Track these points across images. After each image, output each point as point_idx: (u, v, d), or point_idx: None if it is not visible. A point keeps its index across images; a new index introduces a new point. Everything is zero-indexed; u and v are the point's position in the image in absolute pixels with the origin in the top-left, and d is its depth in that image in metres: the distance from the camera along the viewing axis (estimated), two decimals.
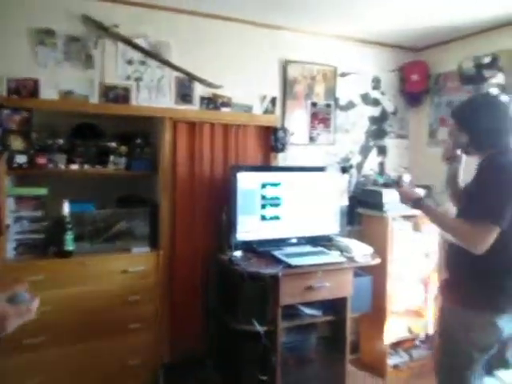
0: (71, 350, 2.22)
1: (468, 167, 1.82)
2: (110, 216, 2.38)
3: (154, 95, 2.46)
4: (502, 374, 1.58)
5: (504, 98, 1.73)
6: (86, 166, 2.33)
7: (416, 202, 1.76)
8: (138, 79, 2.42)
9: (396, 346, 2.93)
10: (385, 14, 2.57)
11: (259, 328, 2.24)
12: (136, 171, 2.44)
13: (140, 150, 2.46)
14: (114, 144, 2.40)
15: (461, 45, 2.97)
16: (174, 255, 2.55)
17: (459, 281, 1.67)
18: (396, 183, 1.94)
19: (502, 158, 1.59)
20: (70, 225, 2.20)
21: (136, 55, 2.41)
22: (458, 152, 1.80)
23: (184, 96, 2.54)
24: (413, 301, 2.95)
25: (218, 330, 2.56)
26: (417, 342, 3.02)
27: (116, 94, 2.37)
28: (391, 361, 2.86)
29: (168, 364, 2.50)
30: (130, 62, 2.40)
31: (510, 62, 2.56)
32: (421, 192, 1.77)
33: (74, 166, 2.30)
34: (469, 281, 1.61)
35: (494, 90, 2.66)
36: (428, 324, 2.96)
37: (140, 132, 2.53)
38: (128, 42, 2.38)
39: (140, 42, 2.41)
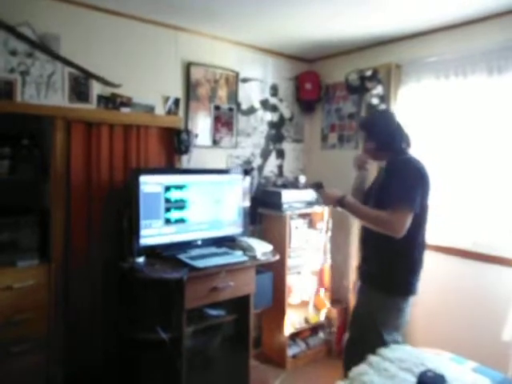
0: None
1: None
2: None
3: (43, 92, 2.24)
4: (382, 351, 1.80)
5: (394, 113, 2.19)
6: None
7: (340, 201, 1.94)
8: (23, 73, 2.18)
9: (294, 336, 3.14)
10: (279, 26, 2.73)
11: (164, 335, 2.21)
12: (22, 176, 2.20)
13: (27, 152, 2.22)
14: None
15: (347, 58, 3.29)
16: (70, 267, 2.37)
17: (378, 270, 1.94)
18: (318, 187, 2.12)
19: (403, 156, 1.95)
20: None
21: (21, 46, 2.17)
22: (367, 159, 2.14)
23: (79, 94, 2.36)
24: (308, 292, 3.21)
25: (120, 342, 2.45)
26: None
27: None
28: (290, 351, 3.06)
29: None
30: (13, 53, 2.15)
31: (387, 76, 2.91)
32: (339, 192, 1.98)
33: None
34: (387, 270, 1.90)
35: (374, 100, 3.00)
36: (321, 313, 3.25)
37: (27, 132, 2.28)
38: (10, 29, 2.13)
39: (25, 31, 2.17)
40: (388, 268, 1.90)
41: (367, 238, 2.04)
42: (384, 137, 1.99)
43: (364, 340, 1.93)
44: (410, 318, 2.55)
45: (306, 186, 3.21)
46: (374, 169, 2.37)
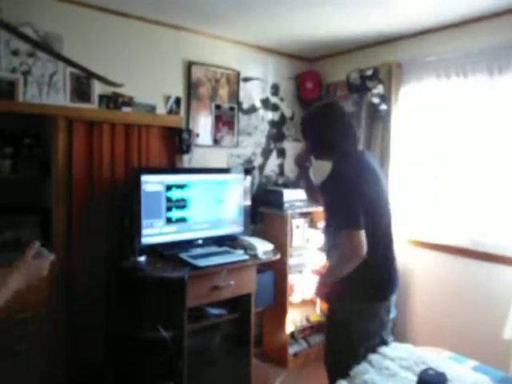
0: None
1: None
2: None
3: (45, 91, 2.24)
4: (383, 350, 1.81)
5: (340, 107, 1.91)
6: None
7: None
8: (25, 73, 2.18)
9: (295, 334, 3.14)
10: (280, 26, 2.73)
11: (165, 334, 2.22)
12: (24, 175, 2.21)
13: (29, 151, 2.23)
14: None
15: (348, 58, 3.28)
16: (71, 265, 2.38)
17: (347, 279, 1.75)
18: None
19: (344, 164, 1.75)
20: None
21: (23, 46, 2.17)
22: (308, 158, 1.95)
23: (81, 94, 2.36)
24: (308, 291, 3.21)
25: (121, 342, 2.45)
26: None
27: None
28: (291, 350, 3.06)
29: None
30: (15, 53, 2.15)
31: (388, 75, 2.91)
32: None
33: None
34: (351, 275, 1.72)
35: (375, 99, 3.00)
36: (321, 311, 3.26)
37: (29, 132, 2.29)
38: (13, 29, 2.13)
39: (27, 31, 2.18)
40: (355, 277, 1.71)
41: (329, 248, 1.89)
42: (319, 137, 1.80)
43: (341, 350, 1.82)
44: (410, 317, 2.54)
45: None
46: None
